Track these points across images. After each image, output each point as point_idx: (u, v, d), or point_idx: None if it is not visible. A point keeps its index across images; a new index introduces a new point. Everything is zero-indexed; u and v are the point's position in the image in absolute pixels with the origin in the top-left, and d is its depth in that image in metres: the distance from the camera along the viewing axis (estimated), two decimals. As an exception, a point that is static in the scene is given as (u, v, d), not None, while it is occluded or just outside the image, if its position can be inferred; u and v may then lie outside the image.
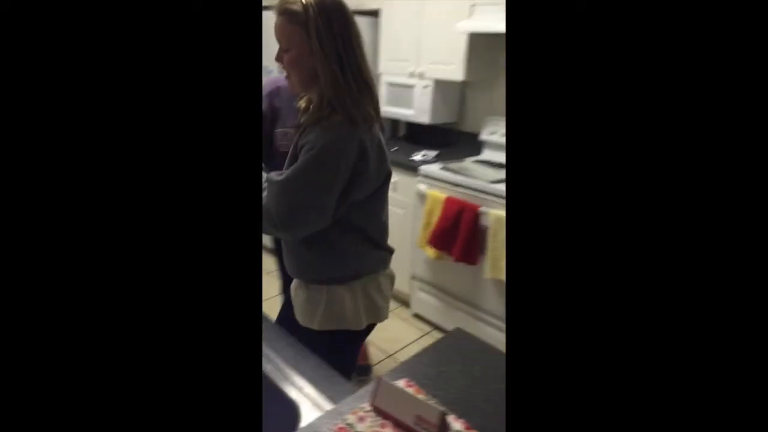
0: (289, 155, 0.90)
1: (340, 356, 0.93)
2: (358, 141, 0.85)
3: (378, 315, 1.03)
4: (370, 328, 1.07)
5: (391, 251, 1.04)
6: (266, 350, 0.81)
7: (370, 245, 0.98)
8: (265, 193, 0.87)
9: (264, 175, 0.90)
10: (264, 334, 0.84)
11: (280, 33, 0.86)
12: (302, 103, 0.94)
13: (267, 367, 0.77)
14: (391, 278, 1.08)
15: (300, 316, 1.01)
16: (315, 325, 0.97)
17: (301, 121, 0.90)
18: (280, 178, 0.85)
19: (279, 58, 0.89)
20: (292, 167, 0.86)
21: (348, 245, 0.95)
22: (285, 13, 0.84)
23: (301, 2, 0.82)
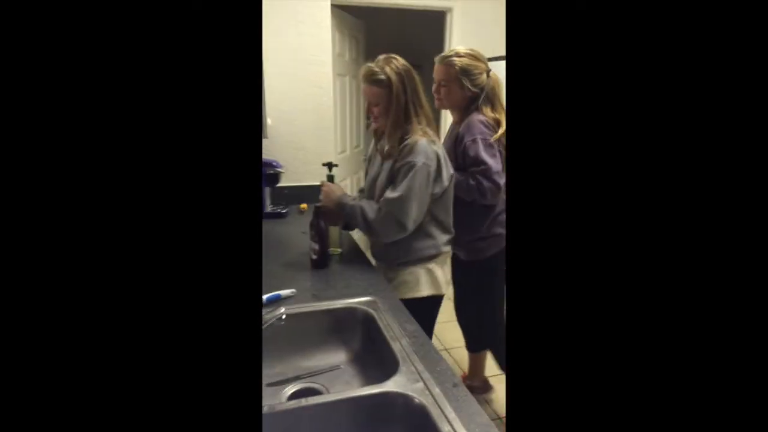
0: (386, 175, 1.30)
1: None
2: (435, 153, 1.26)
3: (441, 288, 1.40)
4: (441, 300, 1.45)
5: (453, 234, 1.41)
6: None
7: (444, 231, 1.37)
8: (386, 209, 1.26)
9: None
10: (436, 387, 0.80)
11: (371, 94, 1.28)
12: (388, 138, 1.32)
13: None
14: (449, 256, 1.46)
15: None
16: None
17: (391, 149, 1.29)
18: (397, 194, 1.24)
19: (369, 111, 1.32)
20: (401, 185, 1.24)
21: (433, 232, 1.34)
22: (373, 82, 1.26)
23: (385, 72, 1.25)
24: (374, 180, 1.40)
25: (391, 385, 0.82)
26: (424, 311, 1.29)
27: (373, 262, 1.47)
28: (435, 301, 1.41)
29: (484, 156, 1.40)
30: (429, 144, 1.25)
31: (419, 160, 1.23)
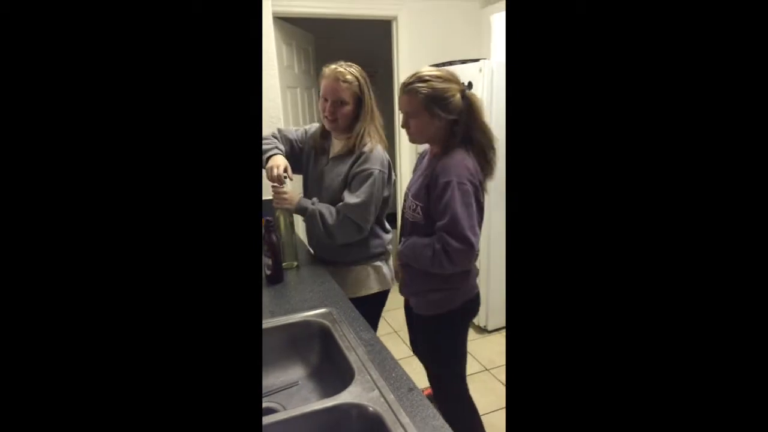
0: (338, 178, 1.34)
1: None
2: (387, 160, 1.35)
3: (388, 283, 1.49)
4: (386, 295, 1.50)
5: (392, 232, 1.51)
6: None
7: (384, 230, 1.46)
8: (346, 213, 1.31)
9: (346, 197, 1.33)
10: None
11: (341, 91, 1.29)
12: (341, 140, 1.38)
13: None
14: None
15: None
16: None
17: (348, 151, 1.35)
18: (358, 200, 1.30)
19: (333, 109, 1.31)
20: (361, 191, 1.30)
21: (378, 232, 1.44)
22: (344, 81, 1.29)
23: (352, 73, 1.30)
24: (318, 179, 1.41)
25: (345, 397, 0.80)
26: (372, 307, 1.37)
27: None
28: (382, 296, 1.49)
29: (456, 205, 1.12)
30: (383, 151, 1.35)
31: (376, 167, 1.31)
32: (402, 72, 2.76)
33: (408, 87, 1.18)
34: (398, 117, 2.97)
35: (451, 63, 2.48)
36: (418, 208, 1.25)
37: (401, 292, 1.42)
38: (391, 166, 1.38)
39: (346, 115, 1.32)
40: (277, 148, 1.45)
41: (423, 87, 1.16)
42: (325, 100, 1.32)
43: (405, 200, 1.35)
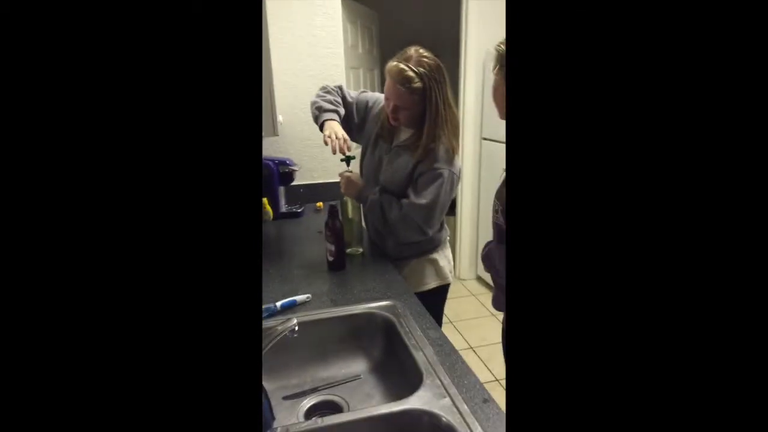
0: (402, 171, 1.24)
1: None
2: (458, 161, 1.25)
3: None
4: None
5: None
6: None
7: (441, 223, 1.36)
8: (409, 213, 1.23)
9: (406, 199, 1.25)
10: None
11: (403, 99, 1.16)
12: (407, 138, 1.26)
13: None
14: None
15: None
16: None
17: (411, 146, 1.23)
18: (424, 201, 1.21)
19: (394, 112, 1.20)
20: (428, 191, 1.20)
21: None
22: (408, 89, 1.14)
23: (422, 77, 1.13)
24: (376, 166, 1.32)
25: (415, 402, 0.75)
26: (432, 303, 1.19)
27: None
28: (441, 290, 1.40)
29: None
30: (455, 154, 1.23)
31: (446, 167, 1.20)
32: (470, 52, 2.62)
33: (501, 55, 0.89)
34: (463, 101, 2.84)
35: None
36: (500, 210, 1.00)
37: (494, 305, 1.16)
38: (461, 167, 1.27)
39: (408, 118, 1.20)
40: (336, 112, 1.31)
41: None
42: (387, 98, 1.19)
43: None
